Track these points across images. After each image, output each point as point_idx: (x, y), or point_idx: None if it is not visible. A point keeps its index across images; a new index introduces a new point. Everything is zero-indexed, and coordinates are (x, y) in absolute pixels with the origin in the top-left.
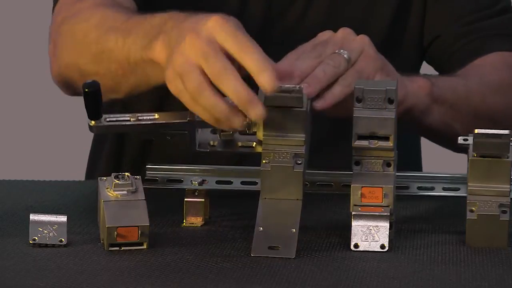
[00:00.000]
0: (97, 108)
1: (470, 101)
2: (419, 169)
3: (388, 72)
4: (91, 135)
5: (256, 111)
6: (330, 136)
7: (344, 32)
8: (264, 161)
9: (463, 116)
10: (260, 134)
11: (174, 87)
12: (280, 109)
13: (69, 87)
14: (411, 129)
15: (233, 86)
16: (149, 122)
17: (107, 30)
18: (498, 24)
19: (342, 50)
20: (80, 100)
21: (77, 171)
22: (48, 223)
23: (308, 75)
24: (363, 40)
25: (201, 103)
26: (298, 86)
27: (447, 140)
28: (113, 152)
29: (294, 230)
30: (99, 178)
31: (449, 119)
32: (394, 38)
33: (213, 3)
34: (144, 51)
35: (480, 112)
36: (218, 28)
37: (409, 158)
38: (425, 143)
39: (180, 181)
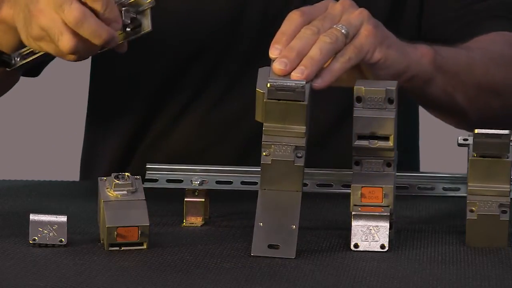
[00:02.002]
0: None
1: (473, 71)
2: (417, 168)
3: (388, 45)
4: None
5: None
6: (327, 135)
7: (344, 4)
8: (264, 154)
9: (465, 86)
10: (259, 117)
11: (45, 44)
12: (282, 102)
13: None
14: (414, 98)
15: (93, 29)
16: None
17: None
18: (492, 7)
19: (340, 25)
20: (81, 102)
21: (77, 171)
22: (48, 223)
23: (305, 56)
24: (362, 14)
25: (85, 31)
26: (301, 83)
27: (448, 112)
28: (119, 150)
29: (294, 226)
30: (99, 178)
31: (452, 89)
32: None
33: (211, 8)
34: None
35: (483, 83)
36: None
37: (408, 158)
38: (425, 143)
39: (180, 181)
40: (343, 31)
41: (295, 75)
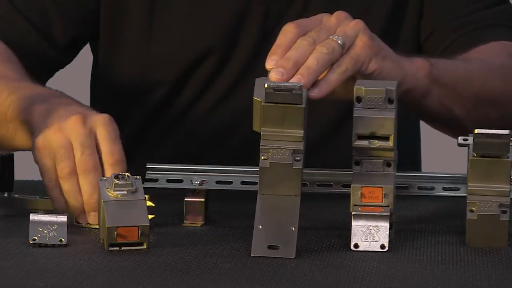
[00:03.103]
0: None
1: (470, 83)
2: (419, 168)
3: (384, 57)
4: None
5: (89, 219)
6: (325, 136)
7: (339, 17)
8: (262, 158)
9: (463, 98)
10: (257, 126)
11: (43, 159)
12: (279, 106)
13: None
14: (411, 110)
15: (90, 186)
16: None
17: None
18: (493, 15)
19: (336, 36)
20: (84, 103)
21: None
22: (48, 223)
23: (302, 65)
24: (358, 26)
25: (65, 187)
26: (298, 84)
27: (446, 124)
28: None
29: (293, 228)
30: (99, 178)
31: (448, 101)
32: (390, 37)
33: (212, 11)
34: (23, 111)
35: (480, 95)
36: (101, 124)
37: (409, 158)
38: (425, 143)
39: (180, 181)
40: (339, 41)
41: None
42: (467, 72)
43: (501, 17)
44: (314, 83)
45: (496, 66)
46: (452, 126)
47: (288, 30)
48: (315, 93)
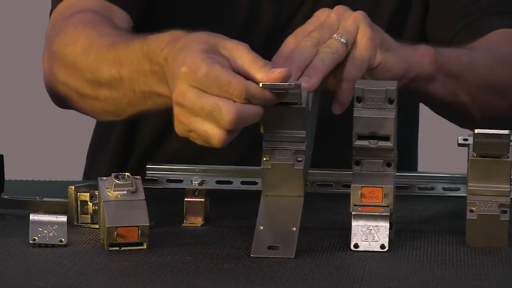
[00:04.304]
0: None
1: (475, 71)
2: (415, 163)
3: (387, 48)
4: (91, 135)
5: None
6: (325, 129)
7: (339, 12)
8: (264, 159)
9: (469, 86)
10: (263, 128)
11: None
12: (280, 107)
13: (61, 101)
14: (417, 98)
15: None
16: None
17: (96, 60)
18: (497, 1)
19: (339, 35)
20: None
21: (76, 171)
22: (48, 223)
23: (307, 66)
24: (358, 18)
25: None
26: (294, 83)
27: (453, 112)
28: (119, 152)
29: (294, 228)
30: (99, 178)
31: (455, 88)
32: (395, 34)
33: (224, 11)
34: (150, 87)
35: (487, 83)
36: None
37: (404, 158)
38: (425, 143)
39: (180, 181)
40: (342, 40)
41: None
42: (472, 60)
43: (503, 4)
44: (335, 98)
45: (502, 55)
46: (459, 114)
47: (289, 42)
48: (338, 108)
